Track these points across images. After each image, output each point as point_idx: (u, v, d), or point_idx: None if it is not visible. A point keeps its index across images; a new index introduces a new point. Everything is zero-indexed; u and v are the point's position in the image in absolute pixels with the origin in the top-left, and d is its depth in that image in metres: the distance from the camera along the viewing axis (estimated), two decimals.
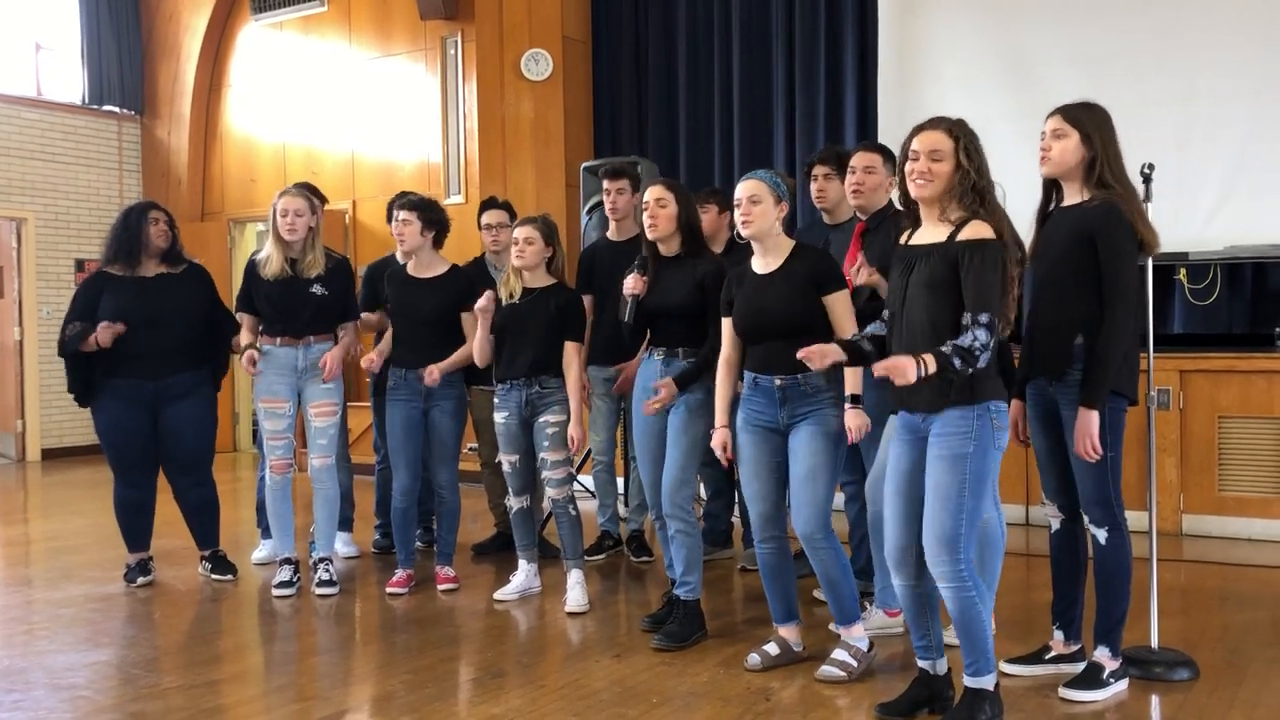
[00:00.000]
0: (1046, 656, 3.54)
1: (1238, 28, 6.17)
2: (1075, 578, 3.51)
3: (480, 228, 5.46)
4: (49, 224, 10.14)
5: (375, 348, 4.93)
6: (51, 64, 10.40)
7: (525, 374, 4.43)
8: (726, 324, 3.68)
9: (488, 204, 5.52)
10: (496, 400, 4.54)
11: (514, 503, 4.61)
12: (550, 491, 4.50)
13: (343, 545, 5.46)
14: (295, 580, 4.81)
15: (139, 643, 4.18)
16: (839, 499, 3.96)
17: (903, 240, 3.15)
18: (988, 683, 3.01)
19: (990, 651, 3.01)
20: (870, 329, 3.24)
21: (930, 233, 3.05)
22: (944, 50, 7.00)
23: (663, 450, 4.02)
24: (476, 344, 4.55)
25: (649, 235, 4.05)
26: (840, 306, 3.51)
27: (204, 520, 5.14)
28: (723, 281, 3.77)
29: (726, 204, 4.80)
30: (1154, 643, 3.55)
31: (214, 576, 5.10)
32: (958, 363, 2.83)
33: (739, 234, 3.63)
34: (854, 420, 3.40)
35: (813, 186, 4.36)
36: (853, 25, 7.52)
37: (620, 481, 5.77)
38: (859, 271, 3.68)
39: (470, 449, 5.68)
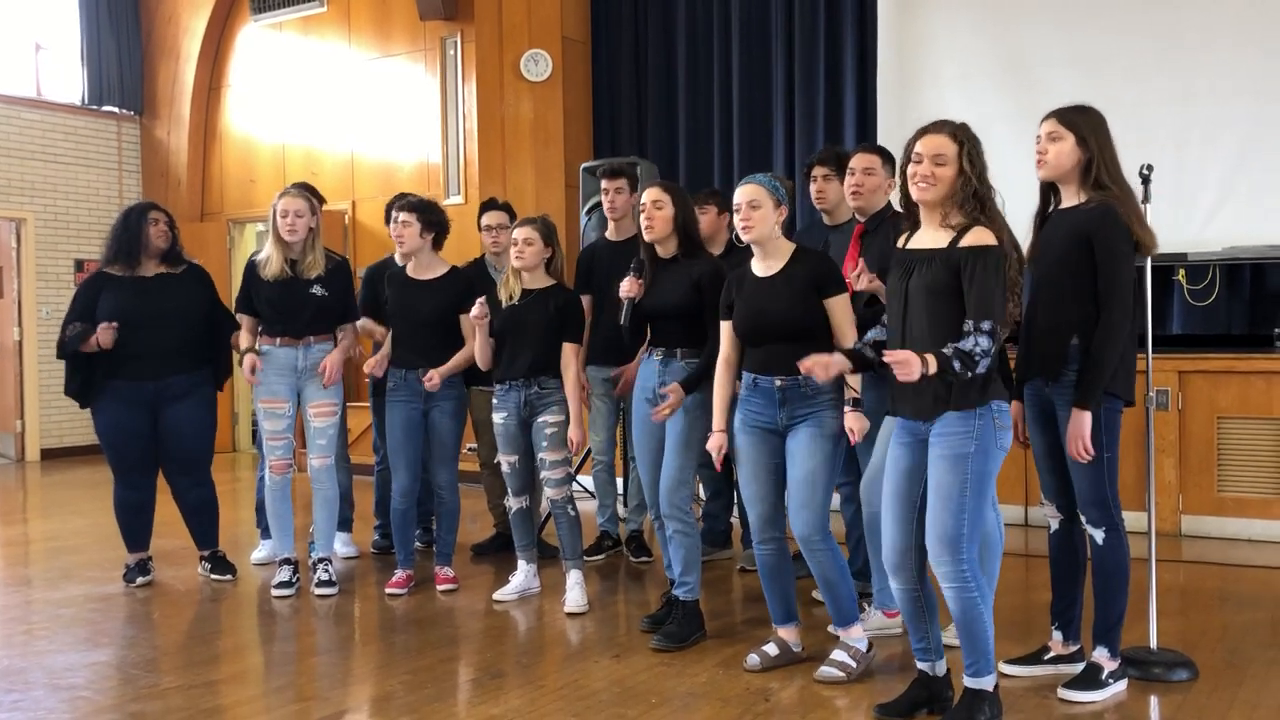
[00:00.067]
0: (1045, 657, 3.54)
1: (1237, 29, 6.18)
2: (1074, 578, 3.52)
3: (480, 229, 5.46)
4: (49, 224, 10.14)
5: (375, 355, 4.91)
6: (51, 64, 10.40)
7: (524, 374, 4.43)
8: (725, 326, 3.68)
9: (488, 205, 5.52)
10: (495, 401, 4.54)
11: (513, 503, 4.61)
12: (549, 492, 4.50)
13: (342, 546, 5.46)
14: (295, 580, 4.81)
15: (138, 643, 4.18)
16: (835, 500, 3.96)
17: (901, 243, 3.15)
18: (987, 683, 3.02)
19: (991, 652, 3.02)
20: (871, 335, 3.25)
21: (930, 237, 3.05)
22: (943, 51, 7.01)
23: (662, 451, 4.02)
24: (477, 349, 4.55)
25: (646, 237, 4.06)
26: (840, 310, 3.51)
27: (203, 520, 5.14)
28: (720, 282, 3.78)
29: (726, 205, 4.81)
30: (1153, 643, 3.55)
31: (213, 577, 5.10)
32: (957, 365, 2.83)
33: (738, 236, 3.64)
34: (855, 422, 3.40)
35: (812, 187, 4.37)
36: (852, 26, 7.53)
37: (619, 482, 5.77)
38: (859, 277, 3.68)
39: (469, 449, 5.68)
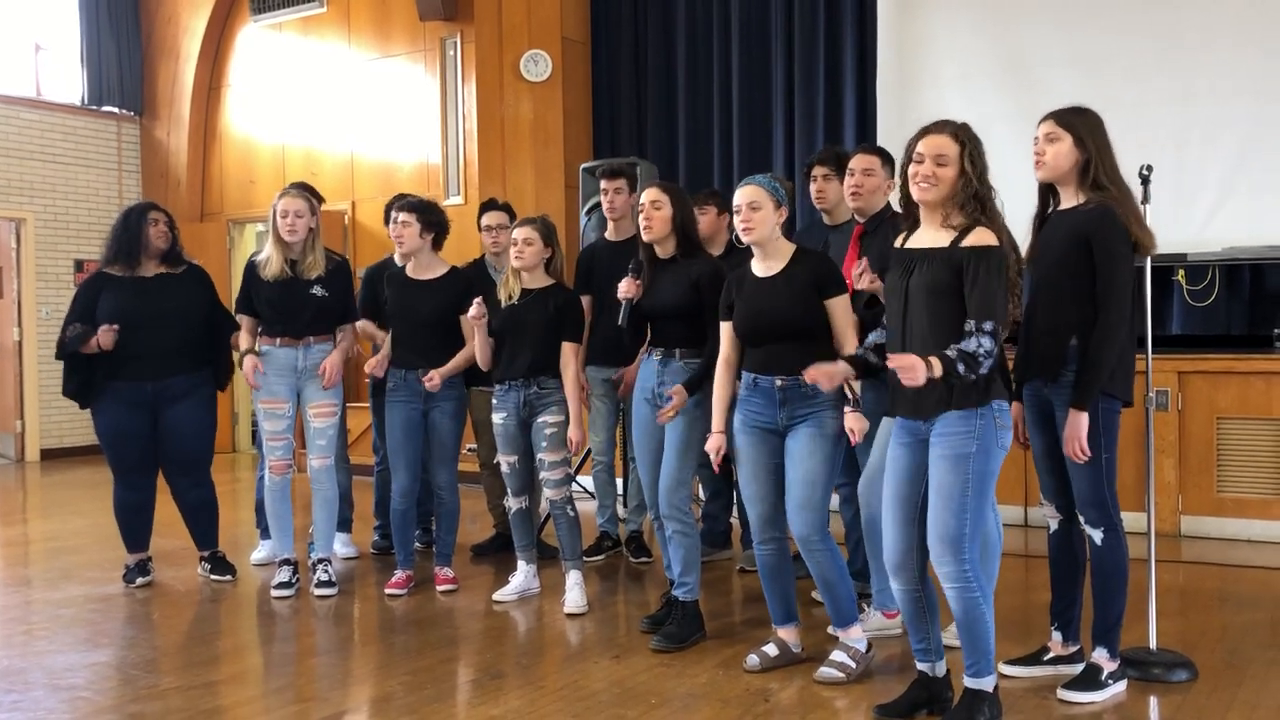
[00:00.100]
0: (1045, 658, 3.54)
1: (1237, 29, 6.18)
2: (1073, 578, 3.52)
3: (480, 229, 5.46)
4: (48, 224, 10.14)
5: (375, 356, 4.91)
6: (51, 65, 10.40)
7: (524, 375, 4.43)
8: (725, 327, 3.68)
9: (487, 205, 5.52)
10: (495, 401, 4.54)
11: (513, 504, 4.61)
12: (548, 492, 4.50)
13: (341, 546, 5.46)
14: (294, 581, 4.81)
15: (138, 643, 4.18)
16: (834, 501, 3.96)
17: (899, 242, 3.15)
18: (988, 684, 3.02)
19: (992, 653, 3.02)
20: (872, 338, 3.25)
21: (930, 236, 3.05)
22: (943, 51, 7.01)
23: (661, 451, 4.02)
24: (477, 349, 4.55)
25: (644, 237, 4.06)
26: (841, 310, 3.52)
27: (203, 521, 5.14)
28: (718, 281, 3.78)
29: (726, 206, 4.81)
30: (1152, 644, 3.55)
31: (213, 577, 5.10)
32: (961, 368, 2.84)
33: (738, 237, 3.64)
34: (855, 422, 3.40)
35: (812, 187, 4.37)
36: (852, 26, 7.53)
37: (619, 482, 5.77)
38: (860, 276, 3.68)
39: (469, 450, 5.68)
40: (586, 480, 5.91)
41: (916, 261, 3.04)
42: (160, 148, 10.70)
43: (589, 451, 5.53)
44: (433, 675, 3.70)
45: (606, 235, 5.28)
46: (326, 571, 4.82)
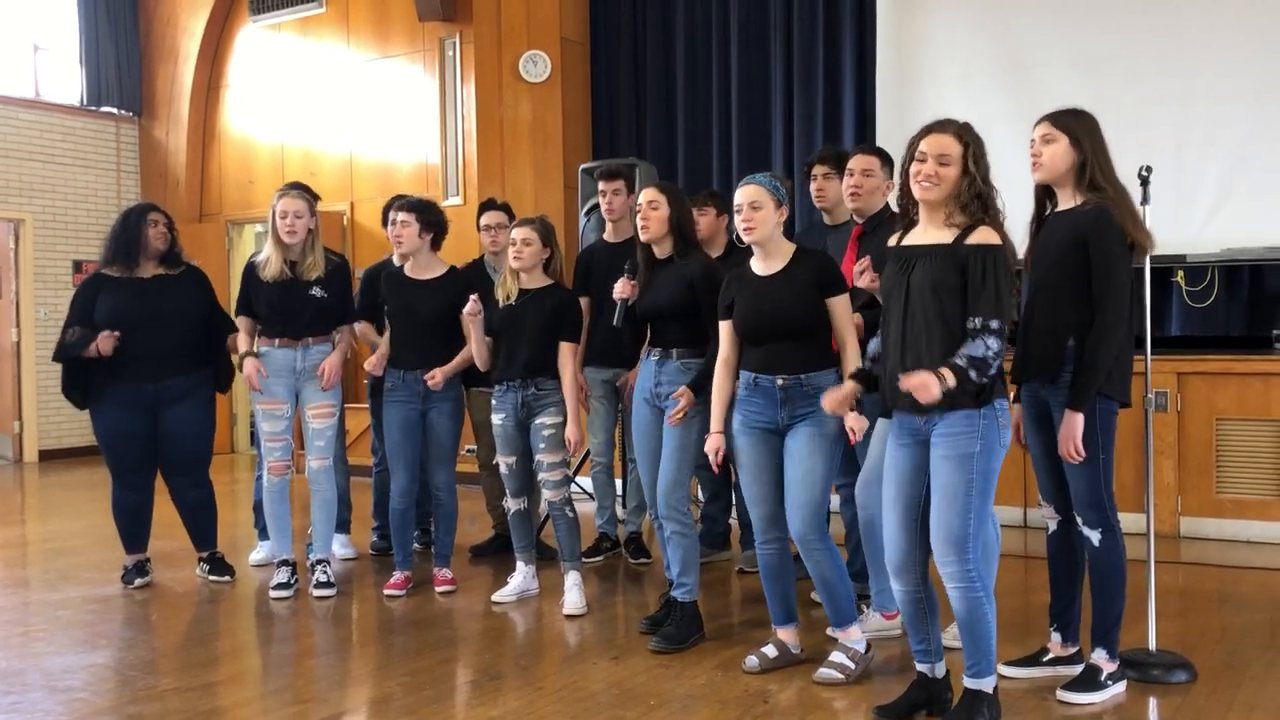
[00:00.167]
0: (1044, 659, 3.54)
1: (1236, 29, 6.18)
2: (1072, 579, 3.51)
3: (479, 229, 5.45)
4: (47, 225, 10.13)
5: (374, 355, 4.89)
6: (50, 65, 10.40)
7: (522, 375, 4.43)
8: (725, 326, 3.68)
9: (487, 205, 5.52)
10: (493, 402, 4.54)
11: (512, 504, 4.61)
12: (547, 493, 4.49)
13: (340, 547, 5.45)
14: (293, 582, 4.80)
15: (136, 645, 4.17)
16: (834, 501, 3.95)
17: (895, 240, 3.14)
18: (988, 685, 3.02)
19: (993, 653, 3.02)
20: (874, 349, 3.25)
21: (931, 234, 3.04)
22: (943, 51, 7.01)
23: (660, 452, 4.02)
24: (473, 348, 4.55)
25: (642, 237, 4.06)
26: (841, 309, 3.52)
27: (202, 522, 5.13)
28: (713, 280, 3.78)
29: (725, 206, 4.80)
30: (1152, 645, 3.55)
31: (211, 578, 5.09)
32: (974, 375, 2.84)
33: (738, 237, 3.63)
34: (855, 422, 3.39)
35: (812, 186, 4.37)
36: (851, 26, 7.54)
37: (618, 483, 5.76)
38: (862, 274, 3.67)
39: (468, 451, 5.68)
40: (585, 481, 5.90)
41: (918, 258, 3.03)
42: (159, 148, 10.70)
43: (588, 453, 5.53)
44: (431, 676, 3.69)
45: (605, 236, 5.28)
46: (325, 572, 4.82)
